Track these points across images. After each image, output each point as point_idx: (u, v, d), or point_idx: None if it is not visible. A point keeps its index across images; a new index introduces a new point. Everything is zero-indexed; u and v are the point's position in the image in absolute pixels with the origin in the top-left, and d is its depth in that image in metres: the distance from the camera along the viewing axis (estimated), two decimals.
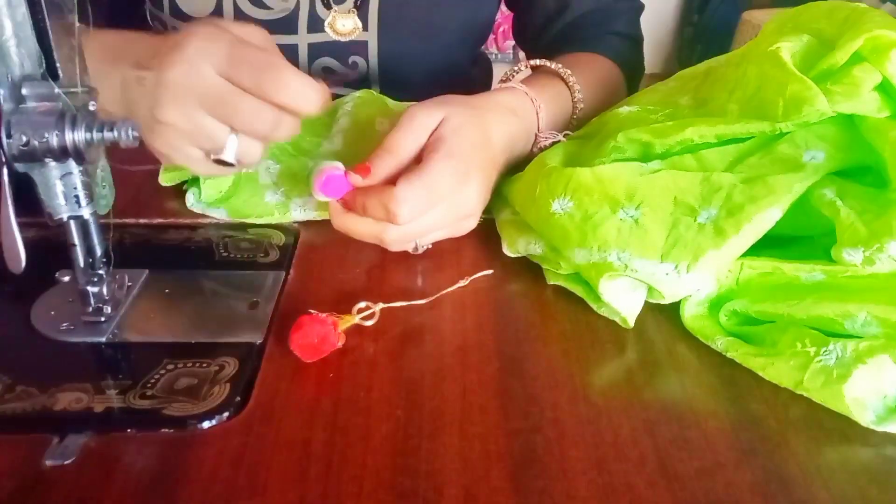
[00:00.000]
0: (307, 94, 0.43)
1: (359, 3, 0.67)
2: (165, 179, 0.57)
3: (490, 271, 0.48)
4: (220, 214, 0.54)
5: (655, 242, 0.42)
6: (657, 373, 0.41)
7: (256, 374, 0.39)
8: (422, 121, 0.48)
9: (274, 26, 0.66)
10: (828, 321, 0.40)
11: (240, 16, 0.66)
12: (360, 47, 0.69)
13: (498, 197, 0.54)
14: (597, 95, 0.62)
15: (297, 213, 0.54)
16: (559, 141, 0.56)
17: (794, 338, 0.39)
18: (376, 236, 0.47)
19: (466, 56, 0.79)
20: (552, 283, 0.47)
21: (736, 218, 0.41)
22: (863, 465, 0.35)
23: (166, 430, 0.36)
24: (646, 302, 0.44)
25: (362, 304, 0.43)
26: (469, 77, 0.82)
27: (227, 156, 0.44)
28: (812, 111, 0.42)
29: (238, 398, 0.38)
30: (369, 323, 0.43)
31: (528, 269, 0.49)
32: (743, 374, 0.40)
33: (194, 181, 0.55)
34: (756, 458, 0.35)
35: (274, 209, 0.54)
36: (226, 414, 0.37)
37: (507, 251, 0.50)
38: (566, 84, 0.59)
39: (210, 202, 0.54)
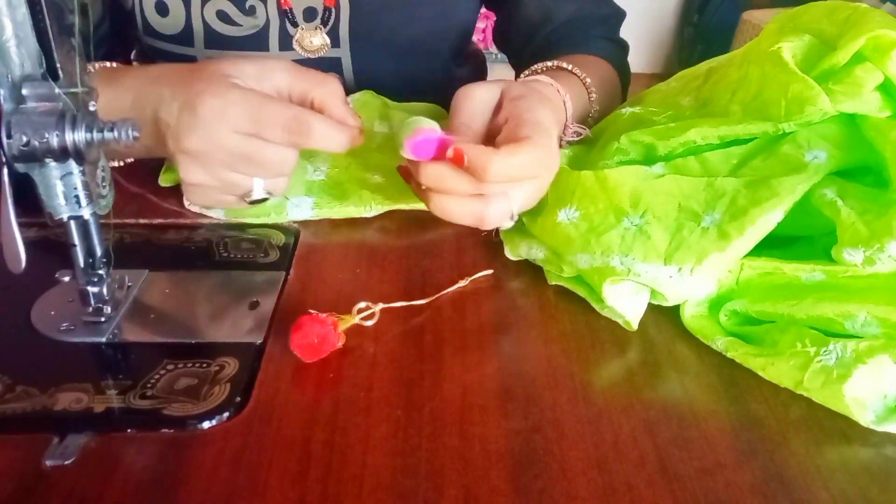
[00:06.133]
0: (335, 139, 0.45)
1: (327, 20, 0.67)
2: (165, 180, 0.57)
3: (490, 271, 0.48)
4: (216, 214, 0.54)
5: (659, 246, 0.42)
6: (657, 373, 0.41)
7: (256, 374, 0.39)
8: (481, 93, 0.48)
9: (244, 43, 0.66)
10: (828, 321, 0.40)
11: (210, 33, 0.65)
12: (333, 64, 0.69)
13: None
14: (605, 96, 0.62)
15: (294, 212, 0.54)
16: (585, 135, 0.56)
17: (795, 338, 0.39)
18: (476, 214, 0.45)
19: (447, 61, 0.79)
20: (553, 283, 0.47)
21: (739, 221, 0.41)
22: (863, 465, 0.35)
23: (166, 430, 0.36)
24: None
25: (362, 304, 0.43)
26: (454, 79, 0.81)
27: (258, 195, 0.47)
28: (814, 111, 0.42)
29: (238, 398, 0.38)
30: (369, 323, 0.43)
31: (529, 269, 0.49)
32: (743, 374, 0.40)
33: None
34: (756, 458, 0.35)
35: (270, 209, 0.54)
36: (226, 414, 0.37)
37: (510, 255, 0.50)
38: (583, 84, 0.59)
39: None
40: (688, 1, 2.80)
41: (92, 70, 0.52)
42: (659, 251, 0.42)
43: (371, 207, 0.54)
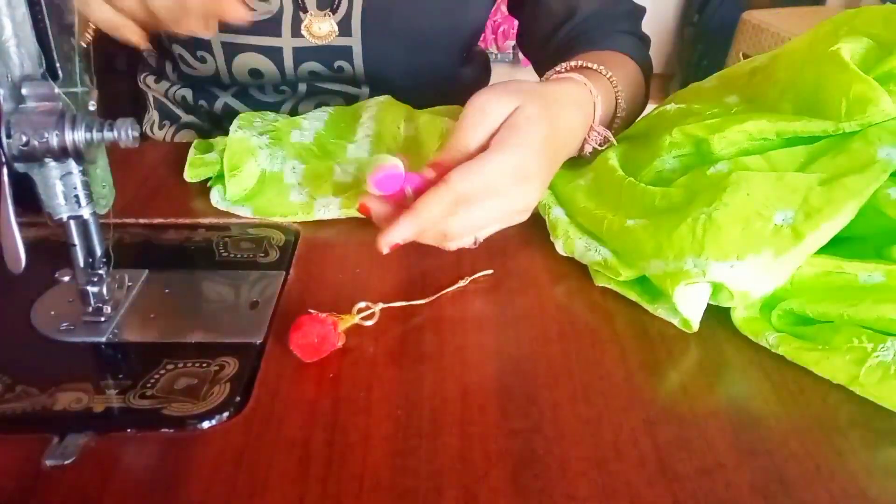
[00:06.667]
0: None
1: (336, 7, 0.67)
2: (190, 176, 0.57)
3: (490, 271, 0.48)
4: (245, 212, 0.54)
5: (731, 241, 0.41)
6: (657, 373, 0.41)
7: (256, 374, 0.39)
8: (495, 110, 0.46)
9: (258, 28, 0.67)
10: (888, 322, 0.39)
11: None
12: (344, 52, 0.70)
13: (548, 194, 0.54)
14: (631, 94, 0.62)
15: (322, 212, 0.54)
16: (609, 142, 0.56)
17: (850, 334, 0.39)
18: (437, 239, 0.47)
19: (455, 58, 0.79)
20: (601, 284, 0.47)
21: (814, 220, 0.40)
22: (863, 465, 0.35)
23: (166, 430, 0.36)
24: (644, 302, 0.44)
25: (362, 304, 0.43)
26: (460, 77, 0.82)
27: None
28: (877, 111, 0.42)
29: (238, 398, 0.38)
30: (369, 323, 0.43)
31: (528, 268, 0.49)
32: (743, 375, 0.40)
33: (218, 179, 0.56)
34: (756, 458, 0.35)
35: (298, 208, 0.54)
36: (226, 414, 0.37)
37: (562, 251, 0.50)
38: (610, 83, 0.59)
39: (235, 200, 0.55)
40: (688, 1, 2.80)
41: None
42: (732, 247, 0.41)
43: None
